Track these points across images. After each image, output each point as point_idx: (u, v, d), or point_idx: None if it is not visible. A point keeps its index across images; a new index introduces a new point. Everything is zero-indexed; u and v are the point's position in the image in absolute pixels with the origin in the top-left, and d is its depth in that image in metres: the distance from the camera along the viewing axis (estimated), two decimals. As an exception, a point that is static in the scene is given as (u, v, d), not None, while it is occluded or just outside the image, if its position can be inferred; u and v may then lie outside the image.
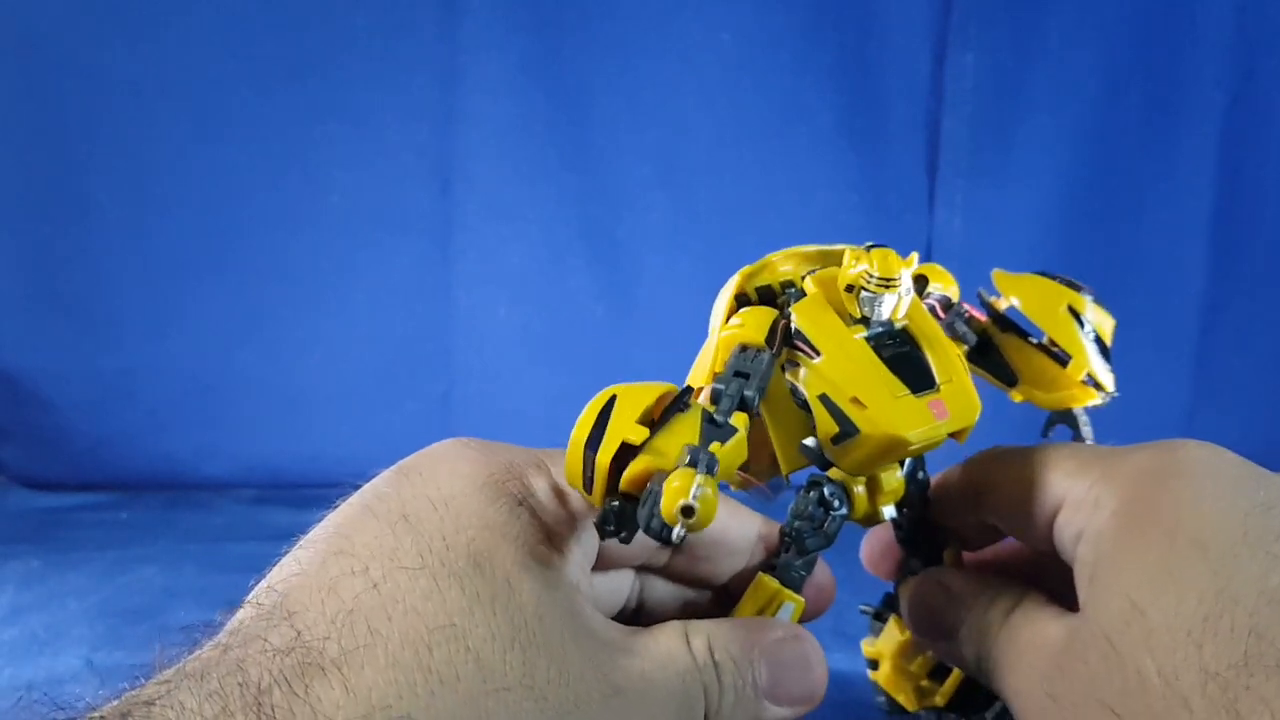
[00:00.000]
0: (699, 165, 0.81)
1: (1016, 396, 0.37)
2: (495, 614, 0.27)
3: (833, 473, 0.35)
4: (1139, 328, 0.83)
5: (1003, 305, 0.39)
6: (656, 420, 0.30)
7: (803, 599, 0.35)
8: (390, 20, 0.78)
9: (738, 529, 0.37)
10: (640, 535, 0.31)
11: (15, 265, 0.80)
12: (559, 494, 0.32)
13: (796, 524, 0.35)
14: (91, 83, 0.78)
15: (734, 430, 0.30)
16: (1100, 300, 0.37)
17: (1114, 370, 0.37)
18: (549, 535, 0.30)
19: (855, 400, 0.31)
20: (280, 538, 0.31)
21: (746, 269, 0.35)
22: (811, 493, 0.35)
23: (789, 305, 0.34)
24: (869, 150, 0.80)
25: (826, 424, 0.32)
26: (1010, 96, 0.79)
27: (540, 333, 0.82)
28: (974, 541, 0.39)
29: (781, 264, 0.35)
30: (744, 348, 0.33)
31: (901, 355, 0.33)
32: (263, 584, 0.28)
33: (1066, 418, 0.37)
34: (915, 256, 0.33)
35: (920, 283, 0.36)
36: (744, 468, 0.36)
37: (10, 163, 0.79)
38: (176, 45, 0.78)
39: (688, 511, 0.26)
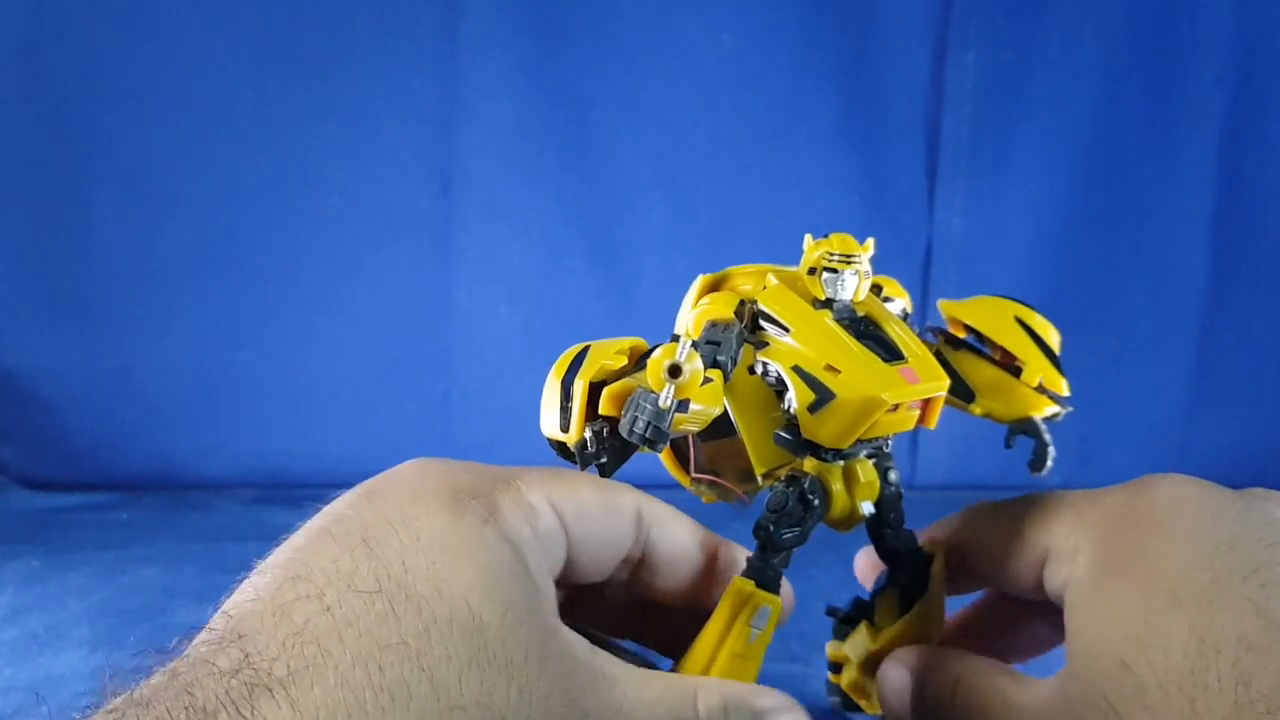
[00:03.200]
0: (699, 165, 0.81)
1: (976, 411, 0.38)
2: (452, 635, 0.27)
3: (809, 466, 0.36)
4: (1139, 327, 0.84)
5: (954, 328, 0.40)
6: (632, 367, 0.31)
7: (779, 599, 0.35)
8: (390, 20, 0.78)
9: (686, 537, 0.37)
10: (601, 552, 0.33)
11: (15, 265, 0.80)
12: (527, 513, 0.32)
13: (773, 518, 0.35)
14: (91, 83, 0.78)
15: (709, 379, 0.31)
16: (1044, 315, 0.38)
17: (1066, 376, 0.37)
18: (516, 555, 0.30)
19: (829, 367, 0.32)
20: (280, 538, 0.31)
21: (706, 276, 0.37)
22: (790, 488, 0.35)
23: (752, 302, 0.35)
24: (869, 150, 0.80)
25: (803, 393, 0.32)
26: (1010, 96, 0.79)
27: (540, 333, 0.82)
28: (963, 590, 0.40)
29: (741, 274, 0.36)
30: (713, 323, 0.34)
31: (867, 333, 0.34)
32: (220, 610, 0.28)
33: (1027, 427, 0.37)
34: (871, 242, 0.35)
35: (875, 291, 0.37)
36: (716, 475, 0.37)
37: (10, 162, 0.79)
38: (176, 45, 0.78)
39: (675, 371, 0.27)
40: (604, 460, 0.30)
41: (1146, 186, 0.81)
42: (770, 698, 0.33)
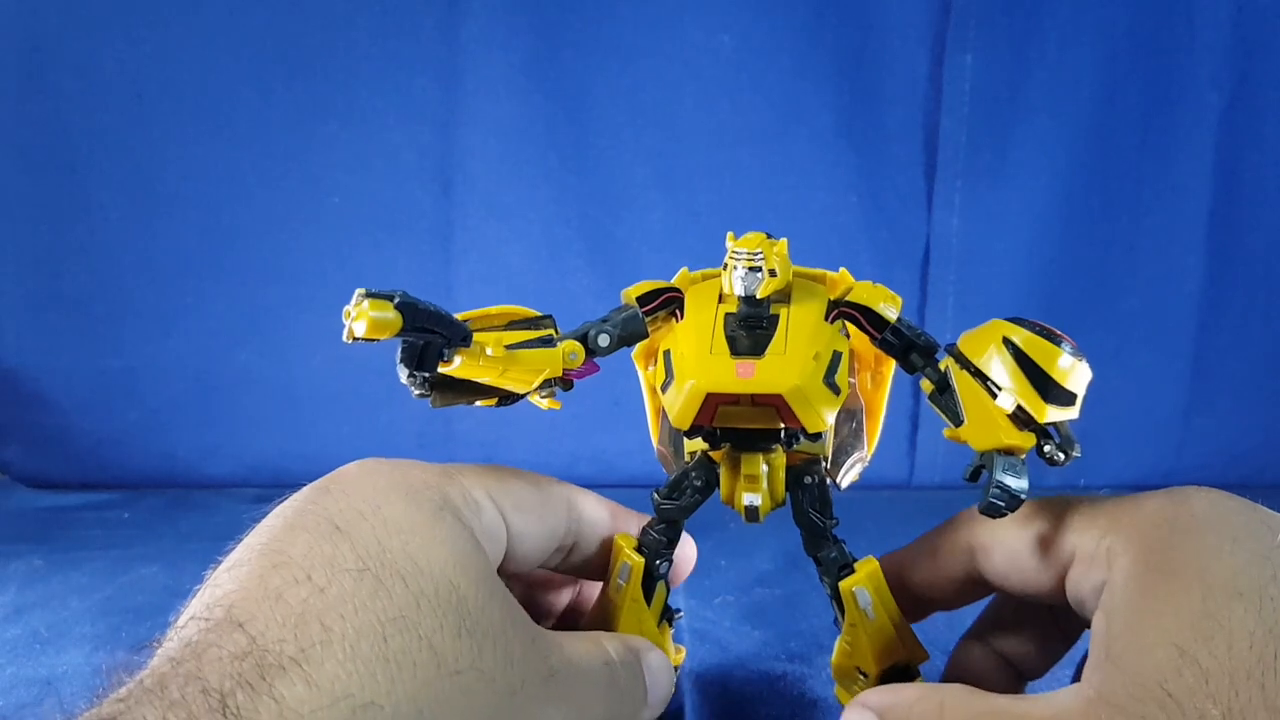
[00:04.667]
0: (698, 166, 0.81)
1: (949, 435, 0.35)
2: (439, 607, 0.28)
3: (715, 453, 0.38)
4: (1136, 327, 0.84)
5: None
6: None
7: (641, 559, 0.39)
8: (391, 20, 0.78)
9: (605, 516, 0.40)
10: (537, 542, 0.37)
11: (17, 265, 0.81)
12: (472, 503, 0.34)
13: (664, 490, 0.39)
14: (91, 83, 0.78)
15: (553, 343, 0.36)
16: (1077, 351, 0.33)
17: (1061, 403, 0.33)
18: (474, 537, 0.32)
19: (681, 354, 0.35)
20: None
21: (687, 272, 0.40)
22: (691, 465, 0.39)
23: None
24: (868, 151, 0.81)
25: (660, 374, 0.36)
26: (1008, 98, 0.79)
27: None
28: (953, 601, 0.39)
29: (714, 273, 0.38)
30: (619, 307, 0.38)
31: (751, 329, 0.35)
32: (198, 604, 0.29)
33: (986, 462, 0.33)
34: (785, 242, 0.36)
35: (867, 314, 0.37)
36: (670, 449, 0.42)
37: (12, 162, 0.79)
38: (176, 45, 0.78)
39: (346, 314, 0.31)
40: (421, 393, 0.35)
41: (1144, 187, 0.81)
42: (641, 640, 0.38)
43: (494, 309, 0.36)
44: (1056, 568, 0.34)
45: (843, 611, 0.39)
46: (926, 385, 0.36)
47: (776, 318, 0.36)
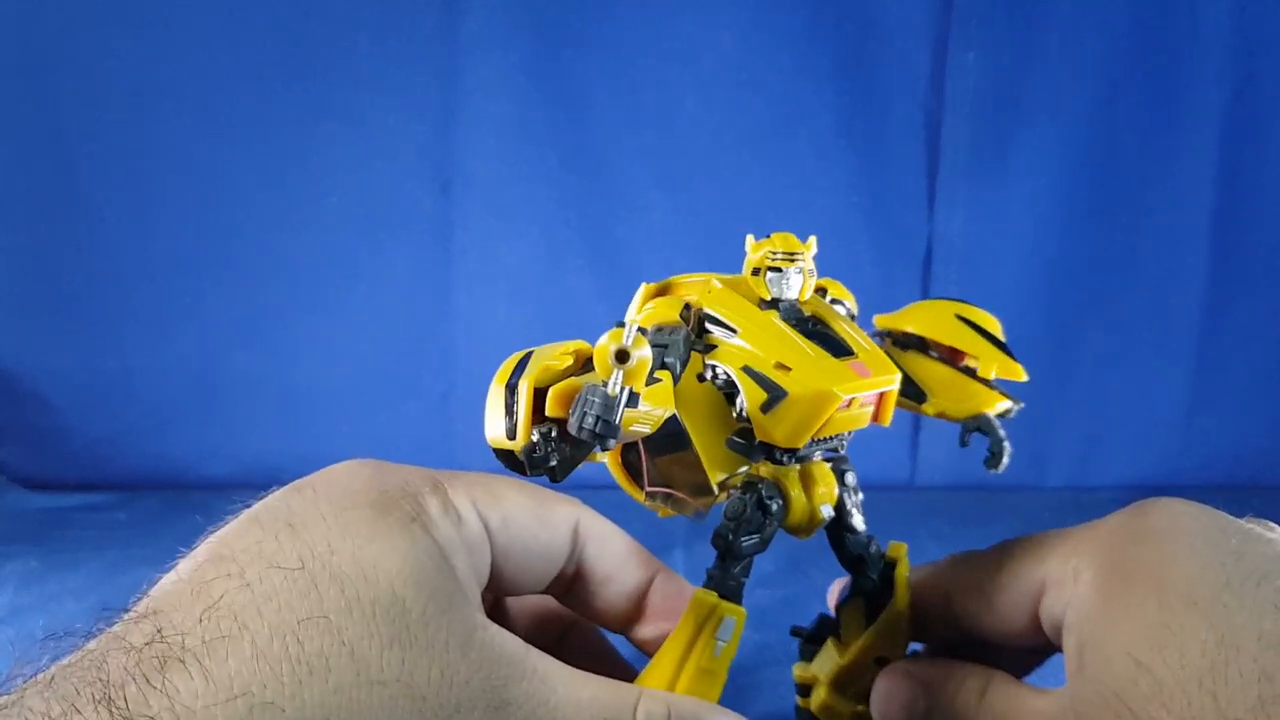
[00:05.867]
0: (699, 165, 0.81)
1: (929, 411, 0.37)
2: (375, 616, 0.27)
3: (764, 471, 0.35)
4: (1139, 327, 0.84)
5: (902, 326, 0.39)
6: (577, 369, 0.30)
7: (744, 610, 0.34)
8: (390, 20, 0.78)
9: (624, 558, 0.37)
10: (530, 564, 0.32)
11: (15, 265, 0.80)
12: (453, 515, 0.32)
13: (731, 525, 0.34)
14: (91, 83, 0.78)
15: (658, 380, 0.30)
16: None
17: (1020, 361, 0.37)
18: (441, 554, 0.30)
19: (779, 365, 0.32)
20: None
21: (650, 285, 0.36)
22: (748, 494, 0.34)
23: (698, 308, 0.35)
24: (869, 151, 0.80)
25: (755, 393, 0.32)
26: (1010, 97, 0.79)
27: (540, 333, 0.82)
28: (940, 648, 0.39)
29: (685, 283, 0.36)
30: (659, 327, 0.34)
31: (815, 331, 0.34)
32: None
33: (982, 424, 0.37)
34: (814, 240, 0.34)
35: (820, 294, 0.37)
36: (670, 488, 0.36)
37: (10, 163, 0.79)
38: (176, 45, 0.78)
39: (622, 356, 0.26)
40: (553, 464, 0.28)
41: (1146, 186, 0.81)
42: (724, 715, 0.32)
43: (570, 349, 0.30)
44: (1030, 601, 0.34)
45: (872, 608, 0.38)
46: None
47: (816, 316, 0.35)
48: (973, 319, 0.37)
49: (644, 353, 0.27)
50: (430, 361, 0.83)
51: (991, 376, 0.36)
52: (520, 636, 0.36)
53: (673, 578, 0.37)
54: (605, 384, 0.27)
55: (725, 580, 0.34)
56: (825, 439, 0.33)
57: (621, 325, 0.27)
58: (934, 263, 0.82)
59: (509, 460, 0.30)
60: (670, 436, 0.34)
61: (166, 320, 0.82)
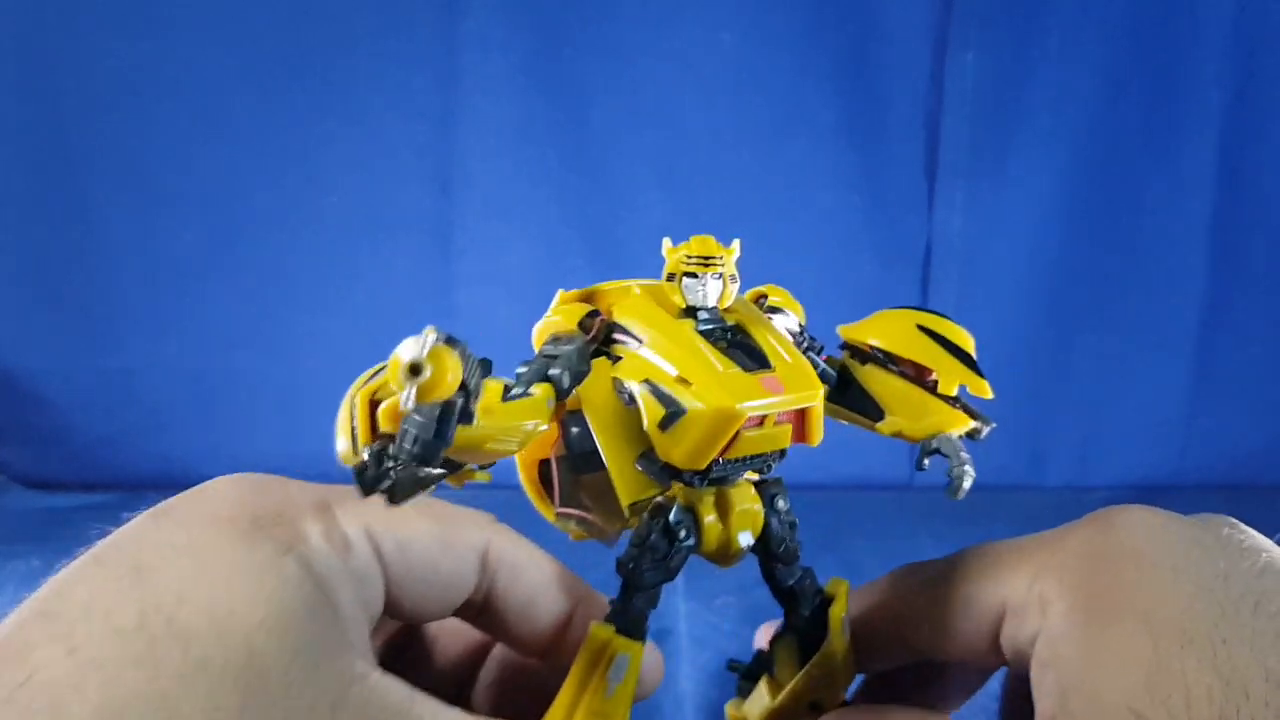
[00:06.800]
0: (699, 165, 0.81)
1: (884, 430, 0.33)
2: (224, 681, 0.23)
3: (678, 494, 0.32)
4: (1139, 327, 0.84)
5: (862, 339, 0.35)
6: None
7: (641, 644, 0.31)
8: (390, 20, 0.78)
9: (543, 584, 0.33)
10: (430, 592, 0.29)
11: (15, 265, 0.80)
12: (339, 542, 0.28)
13: (634, 553, 0.31)
14: (92, 83, 0.78)
15: (528, 393, 0.28)
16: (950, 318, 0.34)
17: (986, 378, 0.33)
18: (319, 587, 0.26)
19: (680, 379, 0.29)
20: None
21: (566, 293, 0.34)
22: (655, 519, 0.31)
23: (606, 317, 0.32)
24: (869, 150, 0.80)
25: (654, 409, 0.29)
26: (1010, 96, 0.79)
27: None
28: (893, 663, 0.36)
29: (606, 290, 0.34)
30: (556, 337, 0.31)
31: (734, 341, 0.31)
32: None
33: (941, 445, 0.32)
34: (737, 243, 0.32)
35: (759, 301, 0.34)
36: (585, 511, 0.33)
37: (10, 163, 0.79)
38: (176, 45, 0.78)
39: (415, 369, 0.23)
40: (387, 486, 0.24)
41: (1147, 186, 0.81)
42: None
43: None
44: (988, 625, 0.31)
45: (806, 648, 0.35)
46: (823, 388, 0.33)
47: (739, 326, 0.32)
48: (936, 329, 0.33)
49: (447, 362, 0.24)
50: (430, 361, 0.83)
51: (954, 393, 0.33)
52: (440, 656, 0.33)
53: (598, 607, 0.34)
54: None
55: (625, 613, 0.31)
56: (742, 460, 0.30)
57: (432, 329, 0.24)
58: (933, 263, 0.82)
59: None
60: (592, 455, 0.31)
61: (166, 320, 0.82)
